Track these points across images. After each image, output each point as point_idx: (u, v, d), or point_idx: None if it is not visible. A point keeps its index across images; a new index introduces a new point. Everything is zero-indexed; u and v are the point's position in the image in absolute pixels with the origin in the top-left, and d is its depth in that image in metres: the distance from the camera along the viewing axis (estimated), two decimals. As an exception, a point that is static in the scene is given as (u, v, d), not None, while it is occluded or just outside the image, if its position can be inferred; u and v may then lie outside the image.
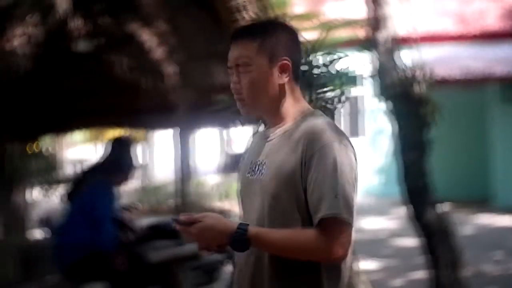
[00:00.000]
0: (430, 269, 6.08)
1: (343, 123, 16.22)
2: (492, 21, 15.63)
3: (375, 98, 6.69)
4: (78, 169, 13.70)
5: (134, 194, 15.87)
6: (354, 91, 4.31)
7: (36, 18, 5.13)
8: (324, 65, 4.11)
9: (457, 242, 6.11)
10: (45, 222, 6.86)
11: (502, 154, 14.35)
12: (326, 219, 2.20)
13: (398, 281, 8.09)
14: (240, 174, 2.48)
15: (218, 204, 14.01)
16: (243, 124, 4.50)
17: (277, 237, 2.24)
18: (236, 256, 2.40)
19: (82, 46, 5.46)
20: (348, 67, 4.15)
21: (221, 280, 6.99)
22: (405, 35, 7.27)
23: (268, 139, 2.39)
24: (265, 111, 2.41)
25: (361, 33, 7.04)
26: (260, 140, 2.46)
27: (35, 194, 11.90)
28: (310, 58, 4.05)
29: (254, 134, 2.57)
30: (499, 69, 13.74)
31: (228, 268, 6.61)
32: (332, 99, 4.09)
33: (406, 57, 6.42)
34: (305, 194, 2.26)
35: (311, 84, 4.04)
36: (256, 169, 2.37)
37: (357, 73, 6.22)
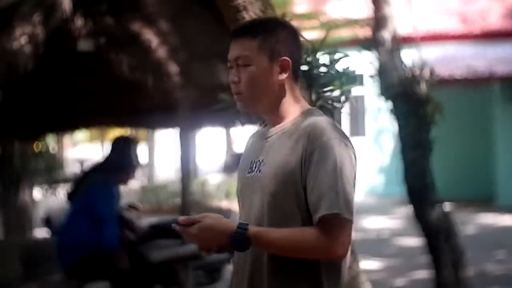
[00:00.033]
0: (432, 269, 6.08)
1: (344, 123, 16.21)
2: (494, 20, 15.62)
3: (376, 98, 6.68)
4: (80, 169, 13.71)
5: (137, 194, 15.88)
6: (355, 91, 4.30)
7: (38, 17, 5.14)
8: (326, 64, 4.11)
9: (459, 242, 6.11)
10: (47, 221, 6.87)
11: (505, 153, 14.34)
12: (327, 217, 2.20)
13: (400, 281, 8.09)
14: (239, 173, 2.48)
15: (220, 203, 14.02)
16: (245, 123, 4.50)
17: (277, 236, 2.23)
18: (235, 256, 2.40)
19: (84, 45, 5.46)
20: (349, 67, 4.15)
21: (223, 279, 7.00)
22: (407, 34, 7.27)
23: (267, 138, 2.39)
24: (264, 109, 2.41)
25: (362, 32, 7.04)
26: (259, 139, 2.46)
27: (37, 193, 11.91)
28: (312, 57, 4.04)
29: (253, 133, 2.55)
30: (501, 69, 13.73)
31: (230, 268, 6.62)
32: (333, 98, 4.09)
33: (408, 57, 6.42)
34: (305, 193, 2.25)
35: (313, 83, 4.04)
36: (255, 168, 2.37)
37: (359, 72, 6.20)
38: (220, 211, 8.33)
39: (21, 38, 5.06)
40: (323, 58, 4.10)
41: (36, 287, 6.00)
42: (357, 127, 16.80)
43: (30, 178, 10.30)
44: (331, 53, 4.15)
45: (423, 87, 6.09)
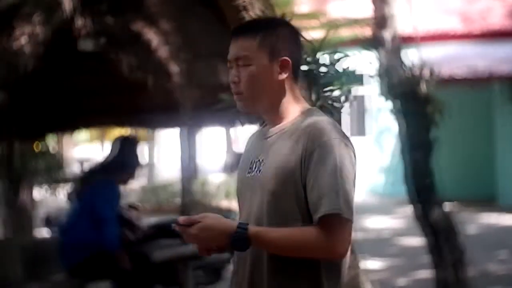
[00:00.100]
0: (435, 269, 6.07)
1: (348, 122, 16.21)
2: (496, 20, 15.60)
3: (380, 97, 6.68)
4: (83, 168, 13.72)
5: (138, 194, 15.88)
6: (359, 90, 4.30)
7: (41, 17, 5.14)
8: (329, 64, 4.11)
9: (462, 242, 6.10)
10: (50, 221, 6.88)
11: (508, 153, 14.32)
12: (327, 216, 2.20)
13: (403, 281, 8.08)
14: (238, 173, 2.48)
15: (221, 203, 14.01)
16: (245, 123, 4.50)
17: (277, 236, 2.23)
18: (234, 256, 2.40)
19: (87, 45, 5.46)
20: (353, 66, 4.15)
21: (224, 279, 7.00)
22: (410, 34, 7.26)
23: (267, 138, 2.39)
24: (264, 109, 2.40)
25: (366, 32, 7.04)
26: (259, 138, 2.45)
27: (39, 193, 11.92)
28: (313, 57, 4.04)
29: (253, 133, 2.55)
30: (503, 68, 13.71)
31: (230, 268, 6.62)
32: (337, 98, 4.08)
33: (411, 56, 6.41)
34: (305, 192, 2.25)
35: (316, 83, 4.04)
36: (255, 168, 2.37)
37: (362, 72, 6.20)
38: (220, 210, 8.33)
39: (22, 38, 5.07)
40: (324, 58, 4.09)
41: (39, 287, 6.01)
42: (359, 127, 16.79)
43: (31, 178, 10.29)
44: (332, 53, 4.14)
45: (426, 87, 6.08)
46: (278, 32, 2.39)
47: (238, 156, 2.59)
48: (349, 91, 4.09)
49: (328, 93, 4.07)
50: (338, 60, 4.09)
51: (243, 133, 20.97)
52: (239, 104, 2.39)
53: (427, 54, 6.37)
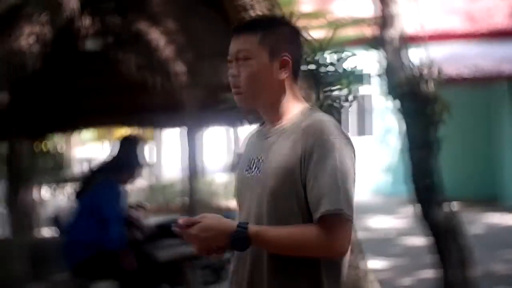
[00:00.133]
0: (439, 269, 6.06)
1: (351, 122, 16.21)
2: (500, 19, 15.57)
3: (383, 97, 6.67)
4: (86, 168, 13.73)
5: (142, 193, 15.89)
6: (362, 90, 4.31)
7: (44, 17, 5.15)
8: (332, 63, 4.11)
9: (466, 241, 6.09)
10: (53, 220, 6.89)
11: (511, 152, 14.30)
12: (327, 215, 2.20)
13: (406, 280, 8.07)
14: (238, 173, 2.48)
15: (226, 202, 14.01)
16: (251, 122, 4.51)
17: (277, 235, 2.23)
18: (234, 255, 2.40)
19: (90, 45, 5.47)
20: (356, 66, 4.15)
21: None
22: (413, 33, 7.25)
23: (267, 137, 2.39)
24: (263, 106, 2.40)
25: (368, 31, 7.03)
26: (258, 138, 2.45)
27: (43, 192, 11.93)
28: (318, 56, 4.04)
29: (252, 132, 2.55)
30: (508, 68, 13.69)
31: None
32: (340, 97, 4.09)
33: (414, 56, 6.40)
34: (305, 191, 2.25)
35: (319, 82, 4.05)
36: (254, 167, 2.37)
37: (365, 71, 6.21)
38: (224, 210, 8.33)
39: (28, 38, 5.07)
40: (329, 57, 4.10)
41: (42, 286, 6.02)
42: (364, 126, 16.78)
43: (37, 177, 10.31)
44: (337, 52, 4.15)
45: (429, 86, 6.08)
46: (279, 31, 2.39)
47: (241, 156, 2.60)
48: (353, 91, 4.09)
49: (331, 93, 4.08)
50: (342, 59, 4.09)
51: (246, 133, 20.95)
52: (237, 101, 2.39)
53: (431, 54, 6.35)
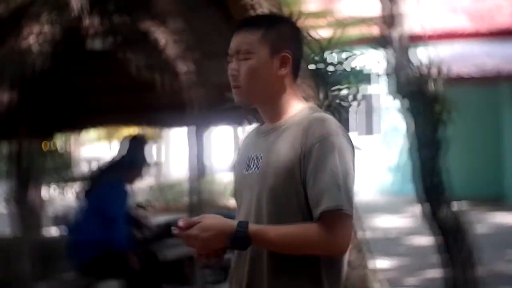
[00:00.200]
0: (445, 268, 6.06)
1: (358, 121, 16.20)
2: (504, 19, 15.55)
3: (390, 96, 6.67)
4: (93, 167, 13.75)
5: (149, 192, 15.90)
6: (368, 89, 4.32)
7: (51, 16, 5.15)
8: (339, 63, 4.12)
9: (471, 241, 6.09)
10: (60, 220, 6.91)
11: (516, 152, 14.29)
12: (329, 212, 2.19)
13: (412, 280, 8.07)
14: (235, 171, 2.48)
15: (231, 202, 14.01)
16: (255, 122, 4.51)
17: (277, 233, 2.22)
18: (234, 254, 2.40)
19: (97, 44, 5.47)
20: (363, 65, 4.16)
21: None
22: (419, 32, 7.25)
23: (265, 135, 2.39)
24: (261, 103, 2.40)
25: (375, 30, 7.02)
26: (256, 136, 2.45)
27: (51, 191, 11.96)
28: (325, 56, 4.05)
29: (250, 131, 2.55)
30: (511, 67, 13.67)
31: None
32: (346, 97, 4.09)
33: (421, 55, 6.40)
34: (304, 188, 2.25)
35: (325, 82, 4.05)
36: (253, 165, 2.36)
37: (372, 71, 6.21)
38: (229, 209, 8.32)
39: (35, 38, 5.08)
40: (337, 56, 4.10)
41: (48, 285, 6.03)
42: (371, 126, 16.78)
43: (45, 176, 10.34)
44: (342, 51, 4.15)
45: (436, 86, 6.07)
46: (281, 28, 2.39)
47: (239, 155, 2.61)
48: (358, 90, 4.10)
49: (336, 92, 4.08)
50: (347, 59, 4.10)
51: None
52: (236, 97, 2.39)
53: (436, 53, 6.35)
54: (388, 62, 6.39)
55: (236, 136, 23.78)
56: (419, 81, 6.15)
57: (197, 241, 2.25)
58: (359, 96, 4.05)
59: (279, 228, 2.23)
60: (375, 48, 6.51)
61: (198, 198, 6.64)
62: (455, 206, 6.11)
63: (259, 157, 2.35)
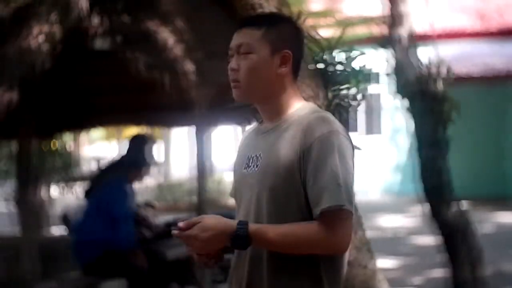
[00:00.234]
0: (448, 268, 6.05)
1: (359, 121, 16.19)
2: (511, 18, 15.51)
3: (392, 96, 6.66)
4: (96, 167, 13.77)
5: (152, 192, 15.92)
6: (370, 89, 4.31)
7: (54, 16, 5.16)
8: (341, 62, 4.11)
9: (476, 240, 6.08)
10: (63, 219, 6.91)
11: (521, 151, 14.26)
12: (329, 211, 2.19)
13: (416, 280, 8.06)
14: (235, 170, 2.47)
15: (231, 201, 14.02)
16: (260, 121, 4.50)
17: (278, 233, 2.22)
18: (234, 254, 2.39)
19: (99, 44, 5.47)
20: (365, 65, 4.15)
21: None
22: (423, 32, 7.24)
23: (264, 134, 2.38)
24: (261, 100, 2.39)
25: (378, 30, 7.01)
26: (255, 135, 2.45)
27: (52, 191, 11.97)
28: (327, 55, 4.04)
29: (249, 130, 2.55)
30: (518, 66, 13.65)
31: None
32: (348, 96, 4.08)
33: (424, 54, 6.39)
34: (304, 187, 2.24)
35: (328, 81, 4.04)
36: (252, 164, 2.36)
37: (374, 70, 6.18)
38: (230, 209, 8.31)
39: (37, 37, 5.08)
40: (338, 56, 4.10)
41: (52, 284, 6.04)
42: (373, 125, 16.76)
43: (47, 176, 10.34)
44: (346, 51, 4.14)
45: (439, 85, 6.06)
46: (282, 27, 2.40)
47: (238, 154, 2.61)
48: (362, 90, 4.09)
49: (340, 92, 4.07)
50: (351, 58, 4.09)
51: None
52: (235, 93, 2.39)
53: (441, 52, 6.34)
54: (391, 62, 6.38)
55: (237, 136, 23.81)
56: (422, 81, 6.14)
57: (197, 241, 2.25)
58: (359, 96, 4.04)
59: (279, 227, 2.23)
60: (378, 47, 6.50)
61: (201, 197, 6.64)
62: (458, 205, 6.10)
63: (258, 157, 2.35)
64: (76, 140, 15.87)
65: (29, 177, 6.82)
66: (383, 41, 6.50)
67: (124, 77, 5.87)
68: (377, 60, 6.37)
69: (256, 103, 2.42)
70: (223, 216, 2.27)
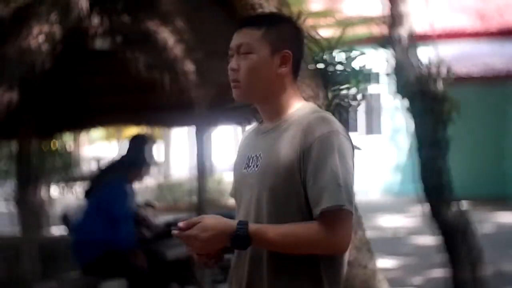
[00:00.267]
0: (448, 268, 6.05)
1: (359, 121, 16.19)
2: (511, 18, 15.51)
3: (392, 96, 6.66)
4: (95, 167, 13.77)
5: (153, 192, 15.92)
6: (370, 89, 4.31)
7: (54, 16, 5.16)
8: (341, 62, 4.11)
9: (476, 240, 6.08)
10: (63, 219, 6.91)
11: (521, 151, 14.26)
12: (329, 210, 2.19)
13: (416, 280, 8.06)
14: (235, 170, 2.47)
15: (231, 201, 14.01)
16: (260, 121, 4.50)
17: (278, 233, 2.22)
18: (234, 254, 2.39)
19: (99, 44, 5.47)
20: (365, 65, 4.15)
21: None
22: (423, 32, 7.24)
23: (264, 134, 2.39)
24: (261, 101, 2.39)
25: (378, 30, 7.01)
26: (255, 135, 2.45)
27: (52, 191, 11.97)
28: (327, 55, 4.04)
29: (249, 130, 2.55)
30: (519, 66, 13.65)
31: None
32: (348, 96, 4.09)
33: (424, 54, 6.39)
34: (304, 187, 2.25)
35: (328, 81, 4.04)
36: (252, 164, 2.36)
37: (374, 70, 6.19)
38: (230, 209, 8.31)
39: (37, 37, 5.08)
40: (338, 56, 4.10)
41: (52, 285, 6.04)
42: (373, 126, 16.75)
43: (46, 176, 10.34)
44: (346, 51, 4.14)
45: (439, 85, 6.06)
46: (282, 27, 2.40)
47: (238, 154, 2.61)
48: (362, 90, 4.09)
49: (340, 92, 4.07)
50: (351, 58, 4.09)
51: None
52: (235, 95, 2.39)
53: (441, 52, 6.34)
54: (391, 62, 6.38)
55: (237, 136, 23.81)
56: (422, 81, 6.14)
57: (197, 241, 2.24)
58: (359, 96, 4.04)
59: (279, 227, 2.23)
60: (378, 47, 6.50)
61: (201, 197, 6.64)
62: (458, 205, 6.10)
63: (258, 157, 2.35)
64: (76, 140, 15.87)
65: (29, 177, 6.82)
66: (383, 41, 6.50)
67: (124, 77, 5.88)
68: (377, 60, 6.37)
69: (256, 103, 2.42)
70: (223, 216, 2.27)
